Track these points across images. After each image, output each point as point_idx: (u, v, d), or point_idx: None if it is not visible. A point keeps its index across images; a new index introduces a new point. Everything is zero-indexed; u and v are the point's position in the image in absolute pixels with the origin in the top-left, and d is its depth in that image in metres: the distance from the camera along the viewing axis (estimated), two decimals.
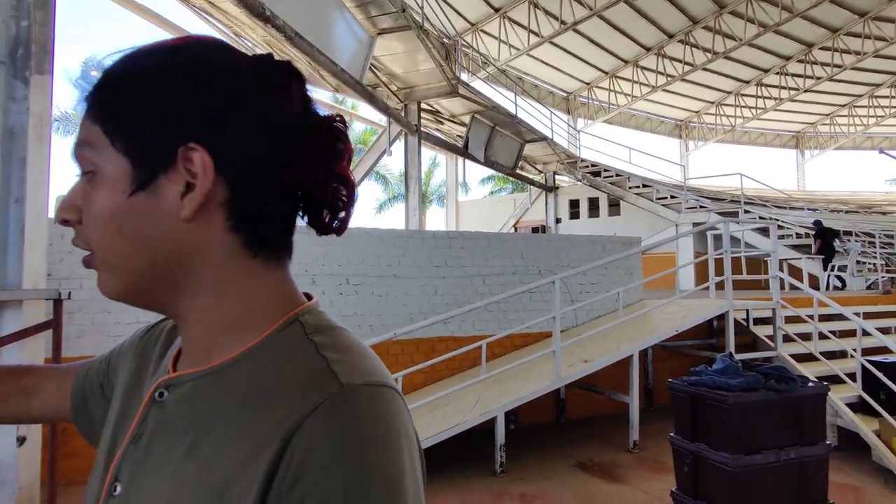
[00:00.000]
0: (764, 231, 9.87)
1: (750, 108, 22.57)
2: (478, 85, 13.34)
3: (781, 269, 7.85)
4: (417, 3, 9.48)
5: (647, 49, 18.51)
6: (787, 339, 6.03)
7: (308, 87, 0.54)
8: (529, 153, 14.57)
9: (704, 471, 3.04)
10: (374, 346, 3.72)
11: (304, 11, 6.74)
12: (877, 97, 22.89)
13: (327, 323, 0.52)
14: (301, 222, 0.54)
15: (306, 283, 5.37)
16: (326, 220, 0.53)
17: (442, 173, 20.42)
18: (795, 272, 10.05)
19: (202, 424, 0.48)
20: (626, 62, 19.05)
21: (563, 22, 16.22)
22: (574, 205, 16.75)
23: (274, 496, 0.42)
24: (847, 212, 17.16)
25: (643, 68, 19.32)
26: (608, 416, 6.26)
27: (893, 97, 22.55)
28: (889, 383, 4.81)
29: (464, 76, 12.48)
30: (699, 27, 17.66)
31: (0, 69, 3.10)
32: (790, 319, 6.41)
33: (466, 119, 11.91)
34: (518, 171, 14.72)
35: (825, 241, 10.86)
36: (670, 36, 17.99)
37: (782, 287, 6.93)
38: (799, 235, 11.99)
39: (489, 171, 19.32)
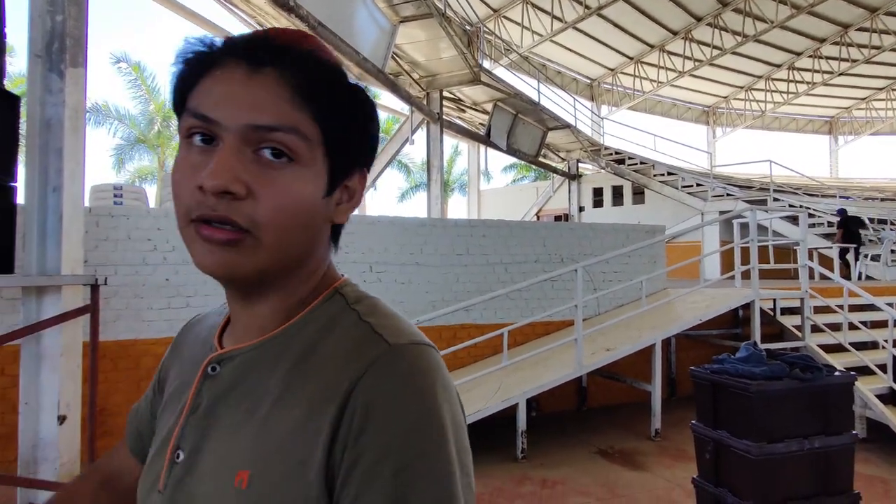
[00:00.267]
0: (794, 219, 9.62)
1: (781, 92, 21.88)
2: (500, 72, 13.24)
3: (811, 259, 7.66)
4: None
5: (675, 33, 18.07)
6: (816, 329, 5.92)
7: None
8: (552, 141, 14.41)
9: (726, 458, 3.03)
10: None
11: (328, 1, 6.78)
12: None
13: (364, 294, 0.59)
14: None
15: None
16: None
17: (464, 162, 20.38)
18: (826, 262, 9.81)
19: (257, 391, 0.53)
20: (652, 47, 18.65)
21: (587, 6, 15.93)
22: (597, 193, 16.55)
23: (339, 447, 0.47)
24: (883, 199, 16.60)
25: (670, 53, 18.88)
26: (630, 404, 6.25)
27: None
28: None
29: (486, 63, 12.38)
30: (729, 9, 17.13)
31: (36, 62, 3.20)
32: (819, 310, 6.27)
33: (489, 107, 11.84)
34: (541, 159, 14.56)
35: (849, 229, 10.58)
36: (699, 19, 17.51)
37: (812, 276, 6.79)
38: (830, 224, 11.66)
39: (511, 160, 19.20)
